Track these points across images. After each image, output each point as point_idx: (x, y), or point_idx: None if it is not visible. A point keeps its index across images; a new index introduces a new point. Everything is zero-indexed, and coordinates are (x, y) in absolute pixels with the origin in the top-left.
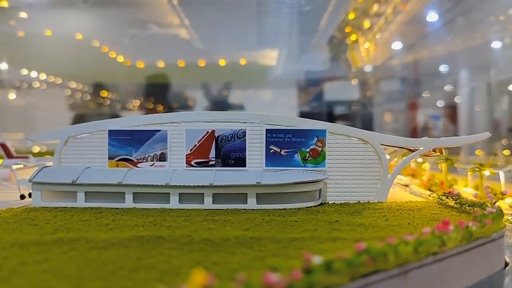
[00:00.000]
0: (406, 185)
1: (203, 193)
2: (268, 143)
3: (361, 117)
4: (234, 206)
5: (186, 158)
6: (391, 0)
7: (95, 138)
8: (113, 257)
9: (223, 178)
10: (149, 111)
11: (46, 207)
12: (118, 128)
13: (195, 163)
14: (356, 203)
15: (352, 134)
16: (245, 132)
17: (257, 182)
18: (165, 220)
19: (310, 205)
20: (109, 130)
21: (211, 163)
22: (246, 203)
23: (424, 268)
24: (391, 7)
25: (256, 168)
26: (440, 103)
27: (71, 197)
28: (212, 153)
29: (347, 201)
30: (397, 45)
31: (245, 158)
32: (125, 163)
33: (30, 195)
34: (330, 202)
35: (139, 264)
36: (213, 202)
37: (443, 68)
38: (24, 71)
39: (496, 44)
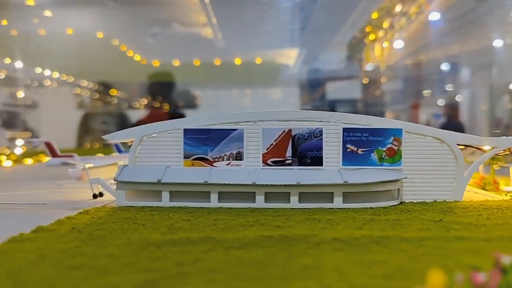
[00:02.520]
0: None
1: (289, 192)
2: (345, 142)
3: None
4: (320, 205)
5: (263, 157)
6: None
7: (169, 137)
8: (261, 257)
9: (308, 177)
10: (156, 110)
11: (132, 206)
12: (193, 127)
13: (272, 162)
14: (433, 202)
15: (427, 133)
16: (322, 131)
17: (344, 181)
18: (266, 219)
19: (392, 204)
20: (184, 129)
21: (287, 162)
22: (332, 202)
23: None
24: (415, 7)
25: (333, 167)
26: (441, 102)
27: (156, 196)
28: (289, 152)
29: (423, 200)
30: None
31: (322, 157)
32: (200, 162)
33: (101, 194)
34: (407, 201)
35: (295, 263)
36: (299, 201)
37: (445, 67)
38: (38, 69)
39: (498, 43)
